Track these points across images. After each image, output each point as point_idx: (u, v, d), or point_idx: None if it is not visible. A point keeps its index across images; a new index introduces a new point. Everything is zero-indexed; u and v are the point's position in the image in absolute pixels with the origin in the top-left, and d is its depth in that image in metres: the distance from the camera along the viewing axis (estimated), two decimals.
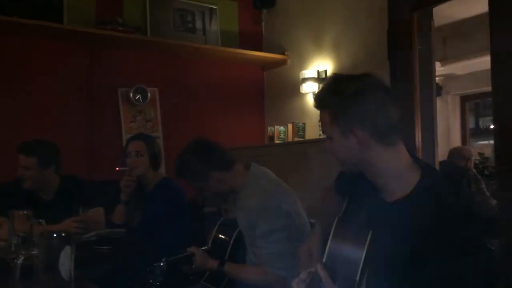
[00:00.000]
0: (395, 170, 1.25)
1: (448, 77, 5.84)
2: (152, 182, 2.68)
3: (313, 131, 3.89)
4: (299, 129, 4.00)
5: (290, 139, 4.04)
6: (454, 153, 4.58)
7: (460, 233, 1.13)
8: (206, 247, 2.06)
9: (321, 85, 3.65)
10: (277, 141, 4.08)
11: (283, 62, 4.31)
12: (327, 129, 1.30)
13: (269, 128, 4.22)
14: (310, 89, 3.93)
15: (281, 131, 4.10)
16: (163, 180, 2.69)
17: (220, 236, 2.12)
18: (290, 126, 4.06)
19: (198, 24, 4.18)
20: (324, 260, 1.19)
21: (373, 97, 1.24)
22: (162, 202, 2.57)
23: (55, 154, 2.74)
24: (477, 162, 5.08)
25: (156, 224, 2.53)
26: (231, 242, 2.06)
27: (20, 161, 2.62)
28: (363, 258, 1.15)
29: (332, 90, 1.29)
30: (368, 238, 1.17)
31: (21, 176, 2.62)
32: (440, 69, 5.33)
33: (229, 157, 2.05)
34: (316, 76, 3.92)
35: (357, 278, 1.14)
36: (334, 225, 1.25)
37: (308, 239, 1.47)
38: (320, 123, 1.34)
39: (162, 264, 1.91)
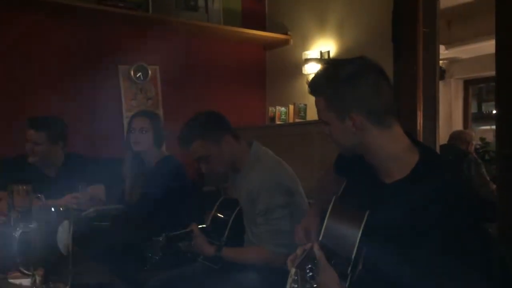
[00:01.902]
0: (393, 152, 1.26)
1: (452, 61, 5.80)
2: (154, 159, 2.68)
3: (315, 112, 3.82)
4: (300, 110, 3.99)
5: (291, 120, 4.03)
6: (455, 136, 4.57)
7: (457, 213, 1.13)
8: (205, 226, 2.07)
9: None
10: (278, 122, 4.07)
11: (285, 42, 4.27)
12: (323, 114, 1.31)
13: (270, 108, 4.20)
14: (312, 70, 3.90)
15: (282, 112, 4.08)
16: (165, 158, 2.69)
17: (219, 215, 2.13)
18: (291, 107, 4.05)
19: (201, 2, 4.13)
20: (320, 238, 1.20)
21: (365, 80, 1.24)
22: (164, 179, 2.57)
23: (64, 131, 2.74)
24: (478, 146, 5.08)
25: (156, 201, 2.54)
26: (230, 221, 2.06)
27: (29, 136, 2.60)
28: (359, 237, 1.15)
29: (325, 76, 1.30)
30: (365, 218, 1.17)
31: (29, 151, 2.61)
32: (444, 53, 5.29)
33: (237, 133, 2.06)
34: (318, 57, 3.88)
35: (353, 257, 1.15)
36: (331, 204, 1.25)
37: (306, 218, 1.47)
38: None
39: (161, 239, 1.92)
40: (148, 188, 2.61)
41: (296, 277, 0.88)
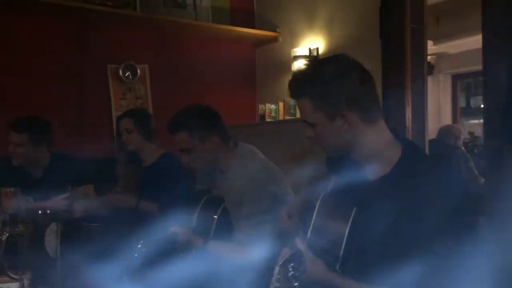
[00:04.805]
0: (377, 148, 1.25)
1: (440, 56, 5.83)
2: (151, 156, 2.67)
3: None
4: (291, 107, 3.99)
5: (281, 117, 4.03)
6: (443, 131, 4.60)
7: (440, 209, 1.13)
8: (190, 226, 2.05)
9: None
10: (268, 120, 4.07)
11: (274, 40, 4.26)
12: (310, 116, 1.26)
13: (260, 106, 4.20)
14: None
15: (272, 109, 4.08)
16: (165, 154, 2.68)
17: (204, 213, 2.11)
18: (281, 104, 4.05)
19: (189, 0, 4.12)
20: (308, 235, 1.20)
21: (353, 76, 1.23)
22: (170, 175, 2.56)
23: (47, 131, 2.71)
24: (467, 140, 5.12)
25: (163, 197, 2.53)
26: (215, 220, 2.05)
27: (12, 138, 2.59)
28: (346, 234, 1.15)
29: (309, 76, 1.26)
30: (352, 215, 1.17)
31: (12, 153, 2.60)
32: (432, 48, 5.31)
33: (229, 134, 2.04)
34: (307, 54, 3.88)
35: (341, 253, 1.15)
36: (319, 201, 1.25)
37: (288, 205, 1.47)
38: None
39: (140, 245, 1.89)
40: (155, 185, 2.58)
41: (279, 276, 0.89)
